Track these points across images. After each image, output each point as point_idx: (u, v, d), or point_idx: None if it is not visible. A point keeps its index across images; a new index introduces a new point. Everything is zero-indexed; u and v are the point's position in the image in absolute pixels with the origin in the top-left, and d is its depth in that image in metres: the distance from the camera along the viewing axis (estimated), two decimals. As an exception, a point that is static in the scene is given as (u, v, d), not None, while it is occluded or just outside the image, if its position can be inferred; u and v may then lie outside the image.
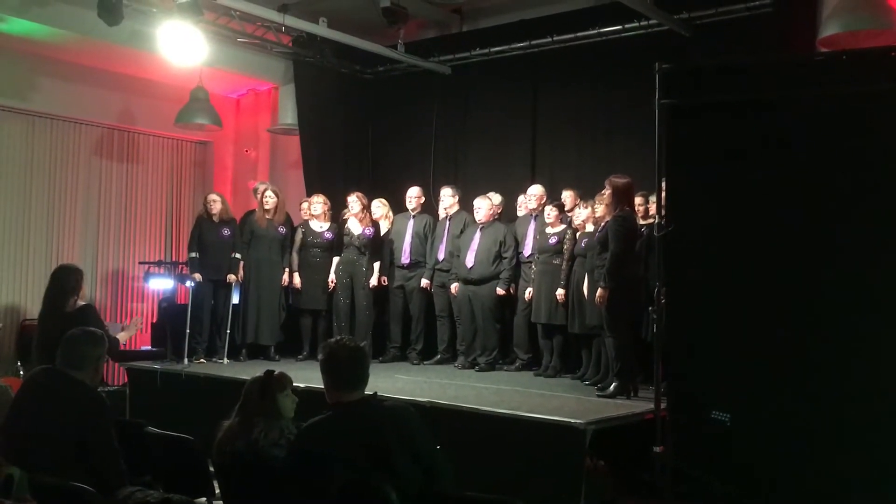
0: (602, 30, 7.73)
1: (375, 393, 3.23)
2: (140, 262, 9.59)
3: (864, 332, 4.63)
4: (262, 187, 8.09)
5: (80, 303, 5.21)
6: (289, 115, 9.25)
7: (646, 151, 5.71)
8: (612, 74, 7.83)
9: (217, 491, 3.82)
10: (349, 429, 3.07)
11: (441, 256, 7.74)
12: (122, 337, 5.48)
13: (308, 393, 4.28)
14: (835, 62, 4.97)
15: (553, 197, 7.40)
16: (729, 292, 5.04)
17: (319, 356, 3.32)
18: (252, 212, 7.99)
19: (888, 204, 4.63)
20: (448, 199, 7.85)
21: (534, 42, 8.14)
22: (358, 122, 9.61)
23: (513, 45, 8.29)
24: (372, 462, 2.96)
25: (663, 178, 5.41)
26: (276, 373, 3.75)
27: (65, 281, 5.23)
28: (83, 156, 9.29)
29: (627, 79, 7.33)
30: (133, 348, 8.70)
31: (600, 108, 7.98)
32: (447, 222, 7.82)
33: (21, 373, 7.72)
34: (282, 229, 7.90)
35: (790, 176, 4.89)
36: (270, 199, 7.86)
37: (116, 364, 8.07)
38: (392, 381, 6.46)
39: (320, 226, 7.98)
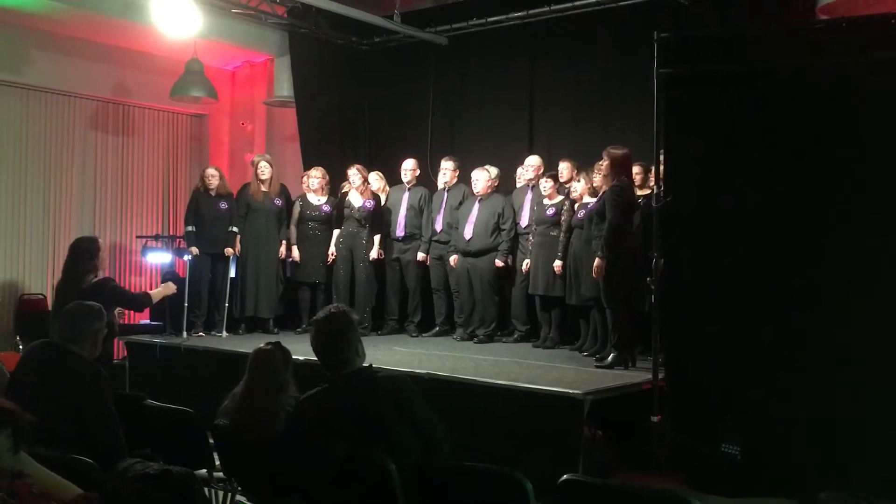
0: (600, -2, 7.65)
1: (371, 364, 3.23)
2: (138, 236, 9.59)
3: (864, 302, 4.64)
4: (257, 159, 8.06)
5: (98, 276, 5.25)
6: (285, 87, 9.19)
7: (644, 122, 5.67)
8: (610, 44, 7.77)
9: (217, 463, 3.85)
10: (345, 401, 3.08)
11: (439, 228, 7.73)
12: (155, 293, 5.73)
13: (307, 366, 4.30)
14: (834, 30, 4.92)
15: (551, 168, 7.37)
16: (727, 262, 5.05)
17: (310, 333, 3.32)
18: (248, 185, 7.97)
19: (887, 174, 4.62)
20: (449, 172, 7.83)
21: (531, 11, 8.05)
22: (354, 93, 9.55)
23: (510, 15, 8.21)
24: (369, 434, 2.97)
25: (661, 149, 5.39)
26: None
27: (78, 254, 5.31)
28: (78, 129, 9.24)
29: (626, 48, 7.28)
30: (131, 322, 8.74)
31: (598, 77, 7.93)
32: (445, 194, 7.80)
33: (20, 347, 7.74)
34: (278, 201, 7.88)
35: (789, 146, 4.87)
36: (265, 171, 7.83)
37: (116, 338, 8.10)
38: (391, 354, 6.48)
39: (318, 199, 7.96)
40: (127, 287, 7.45)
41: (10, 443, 2.46)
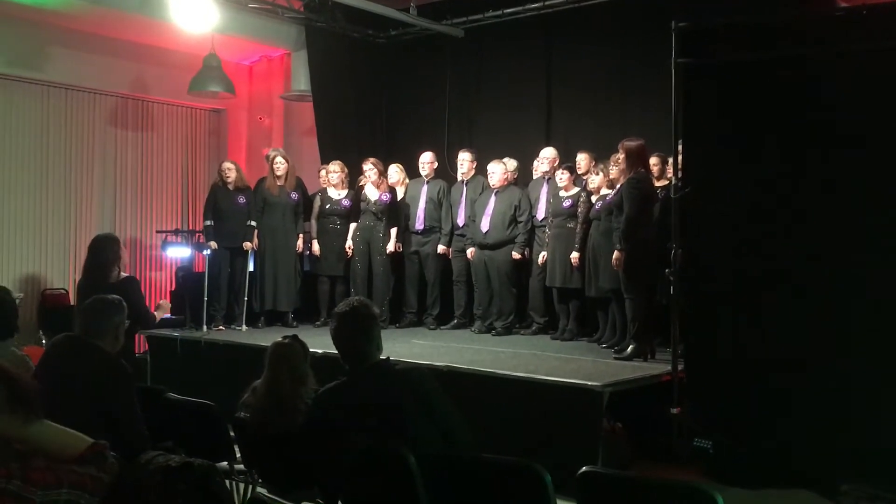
0: (617, -12, 7.61)
1: (388, 357, 3.23)
2: (157, 231, 9.65)
3: (889, 293, 4.58)
4: (272, 154, 8.08)
5: (123, 274, 5.30)
6: (302, 81, 9.20)
7: (662, 112, 5.64)
8: (627, 34, 7.72)
9: (238, 455, 3.88)
10: (364, 394, 3.08)
11: (461, 221, 7.73)
12: (157, 315, 5.63)
13: (326, 359, 4.32)
14: (855, 17, 4.86)
15: (569, 160, 7.34)
16: (745, 253, 5.01)
17: (330, 326, 3.32)
18: (264, 179, 7.99)
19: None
20: (466, 164, 7.82)
21: (547, 2, 8.03)
22: (371, 87, 9.55)
23: (526, 6, 8.18)
24: (388, 426, 2.98)
25: (680, 140, 5.36)
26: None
27: (101, 251, 5.33)
28: (98, 125, 9.32)
29: (643, 38, 7.23)
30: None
31: (615, 68, 7.88)
32: (464, 187, 7.80)
33: (43, 342, 7.82)
34: (294, 195, 7.91)
35: (808, 135, 4.82)
36: (281, 165, 7.85)
37: (137, 333, 8.18)
38: (409, 347, 6.49)
39: (338, 193, 7.98)
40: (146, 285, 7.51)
41: (8, 407, 2.40)
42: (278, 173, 7.84)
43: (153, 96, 9.66)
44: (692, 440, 5.06)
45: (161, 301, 6.12)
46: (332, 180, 7.96)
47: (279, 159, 7.89)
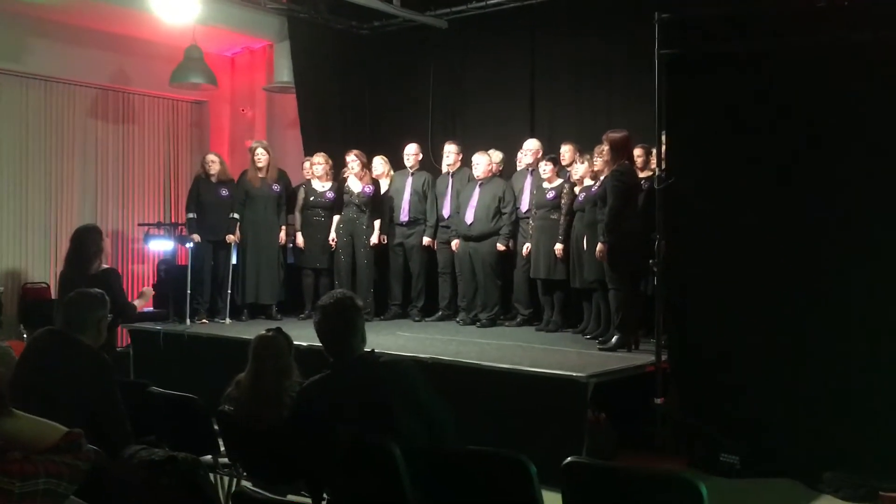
0: (600, -22, 7.61)
1: (373, 350, 3.23)
2: (139, 224, 9.58)
3: (868, 285, 4.63)
4: (254, 145, 8.04)
5: (104, 266, 5.24)
6: (284, 73, 9.16)
7: (646, 103, 5.65)
8: (610, 25, 7.71)
9: (222, 448, 3.86)
10: (348, 386, 3.07)
11: (447, 213, 7.72)
12: (138, 304, 5.50)
13: (310, 352, 4.31)
14: (838, 8, 4.89)
15: (553, 151, 7.35)
16: (729, 244, 5.04)
17: (314, 318, 3.31)
18: (246, 171, 7.95)
19: (891, 152, 4.60)
20: (452, 156, 7.81)
21: (531, -7, 8.02)
22: (355, 79, 9.51)
23: (510, -3, 8.17)
24: (373, 419, 2.97)
25: (663, 131, 5.37)
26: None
27: (82, 242, 5.29)
28: (79, 117, 9.23)
29: (626, 29, 7.23)
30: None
31: (599, 60, 7.88)
32: (450, 178, 7.79)
33: (24, 336, 7.76)
34: (276, 187, 7.87)
35: (791, 126, 4.85)
36: (262, 157, 7.80)
37: (120, 326, 8.13)
38: (394, 339, 6.49)
39: (322, 185, 7.95)
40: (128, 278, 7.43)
41: None
42: (260, 165, 7.79)
43: (134, 88, 9.57)
44: (678, 430, 5.09)
45: (144, 288, 6.00)
46: (316, 172, 7.93)
47: (260, 151, 7.85)
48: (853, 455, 4.54)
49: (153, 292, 5.81)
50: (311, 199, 7.92)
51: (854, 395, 4.61)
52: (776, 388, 4.83)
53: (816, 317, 4.74)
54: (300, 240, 7.91)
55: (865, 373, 4.59)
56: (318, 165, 7.93)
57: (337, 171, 8.07)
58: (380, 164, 8.07)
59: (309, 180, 8.03)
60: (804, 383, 4.74)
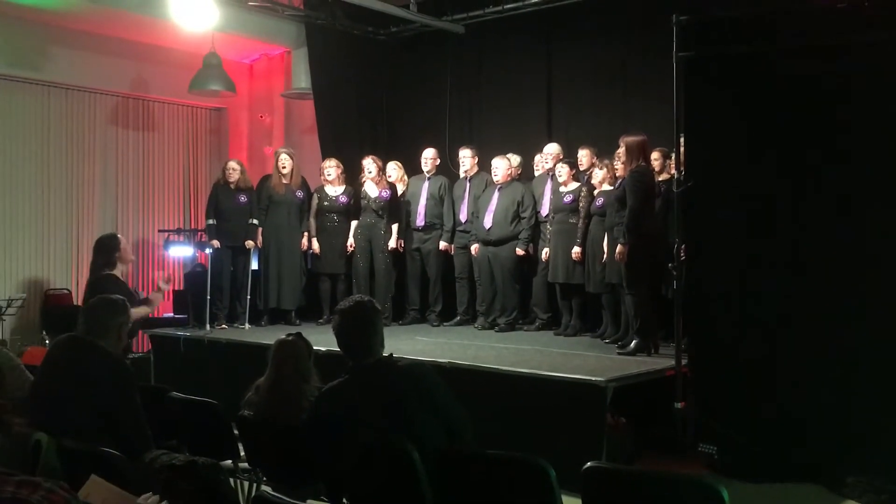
0: (617, -18, 7.59)
1: (391, 354, 3.23)
2: (160, 230, 9.65)
3: (892, 286, 4.57)
4: (279, 151, 8.08)
5: (118, 270, 5.28)
6: (302, 79, 9.19)
7: (664, 107, 5.63)
8: (628, 28, 7.69)
9: (242, 453, 3.88)
10: (367, 390, 3.08)
11: (464, 218, 7.72)
12: (141, 312, 5.30)
13: (329, 357, 4.32)
14: (858, 9, 4.84)
15: (570, 155, 7.33)
16: (748, 246, 5.00)
17: (332, 323, 3.31)
18: (268, 177, 7.99)
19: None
20: (467, 161, 7.81)
21: (548, -3, 8.01)
22: (372, 84, 9.53)
23: (527, 2, 8.14)
24: (392, 422, 2.97)
25: (681, 134, 5.34)
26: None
27: (96, 251, 5.37)
28: (99, 125, 9.32)
29: (644, 32, 7.21)
30: (156, 316, 8.81)
31: (617, 63, 7.85)
32: (467, 183, 7.79)
33: (46, 342, 7.83)
34: (299, 193, 7.90)
35: (811, 128, 4.80)
36: (287, 163, 7.84)
37: (140, 331, 8.19)
38: (412, 344, 6.49)
39: (335, 190, 7.98)
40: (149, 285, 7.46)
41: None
42: (284, 171, 7.83)
43: (154, 95, 9.65)
44: (697, 440, 5.05)
45: (151, 294, 5.84)
46: (328, 177, 7.95)
47: (284, 157, 7.89)
48: (876, 459, 4.49)
49: (162, 299, 5.78)
50: (325, 203, 7.94)
51: (876, 400, 4.55)
52: (798, 393, 4.79)
53: (841, 319, 4.68)
54: (315, 245, 7.93)
55: (888, 378, 4.54)
56: (329, 169, 7.95)
57: (354, 176, 8.09)
58: (393, 169, 8.08)
59: (322, 185, 8.05)
60: (826, 388, 4.69)
